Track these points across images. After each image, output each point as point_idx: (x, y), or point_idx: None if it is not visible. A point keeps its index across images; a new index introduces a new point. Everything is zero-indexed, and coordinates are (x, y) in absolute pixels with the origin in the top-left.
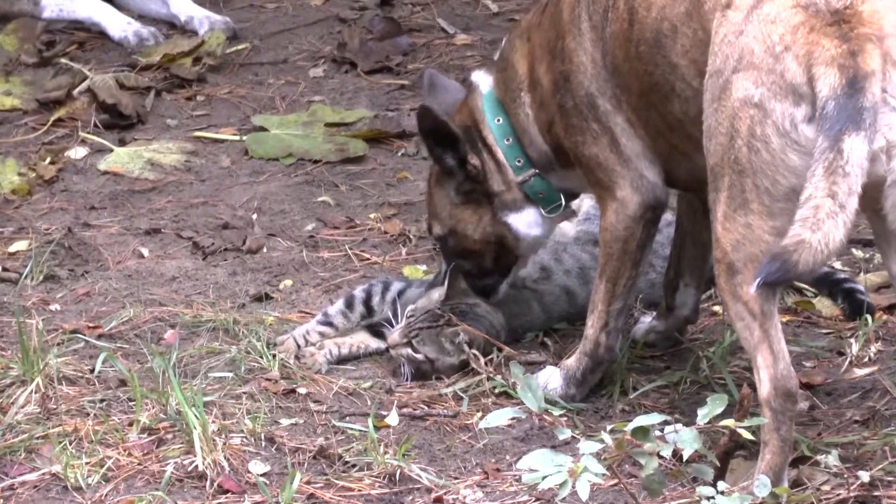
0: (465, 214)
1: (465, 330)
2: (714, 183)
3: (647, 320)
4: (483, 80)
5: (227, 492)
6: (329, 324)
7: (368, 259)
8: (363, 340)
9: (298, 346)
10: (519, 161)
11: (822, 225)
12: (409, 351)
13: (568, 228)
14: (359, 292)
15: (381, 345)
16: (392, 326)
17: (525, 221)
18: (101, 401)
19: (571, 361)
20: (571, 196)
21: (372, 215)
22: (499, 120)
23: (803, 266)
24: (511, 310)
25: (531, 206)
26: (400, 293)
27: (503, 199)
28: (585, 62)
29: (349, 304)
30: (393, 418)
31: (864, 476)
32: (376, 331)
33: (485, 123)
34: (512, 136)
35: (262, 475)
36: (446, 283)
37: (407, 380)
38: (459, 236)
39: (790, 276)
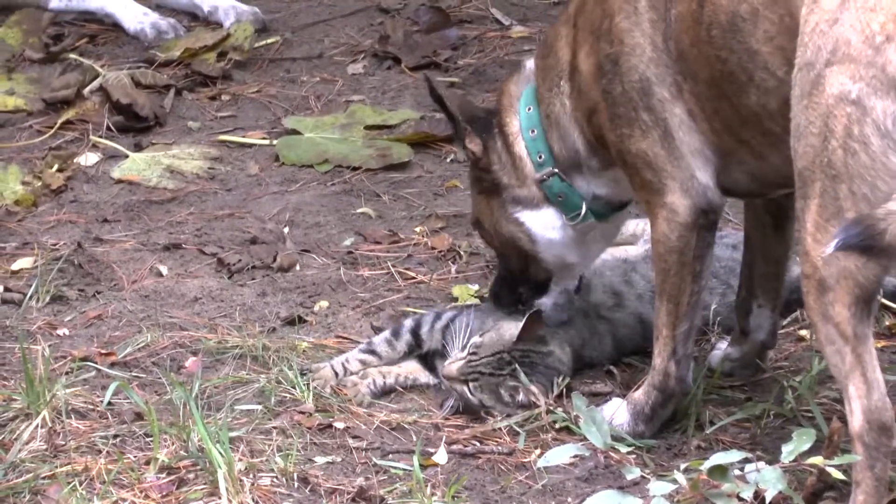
0: (482, 203)
1: (527, 391)
2: (803, 189)
3: (723, 346)
4: (530, 68)
5: None
6: (372, 352)
7: (414, 278)
8: (412, 371)
9: (336, 375)
10: (540, 156)
11: None
12: (465, 390)
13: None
14: (408, 321)
15: (433, 380)
16: (445, 358)
17: (541, 222)
18: (115, 436)
19: (639, 395)
20: (619, 206)
21: (417, 229)
22: (529, 109)
23: (890, 237)
24: (584, 340)
25: (550, 207)
26: (451, 320)
27: (514, 193)
28: (643, 44)
29: (395, 333)
30: (441, 456)
31: None
32: (428, 362)
33: (511, 110)
34: (539, 128)
35: None
36: (521, 324)
37: (455, 411)
38: (481, 227)
39: (871, 245)
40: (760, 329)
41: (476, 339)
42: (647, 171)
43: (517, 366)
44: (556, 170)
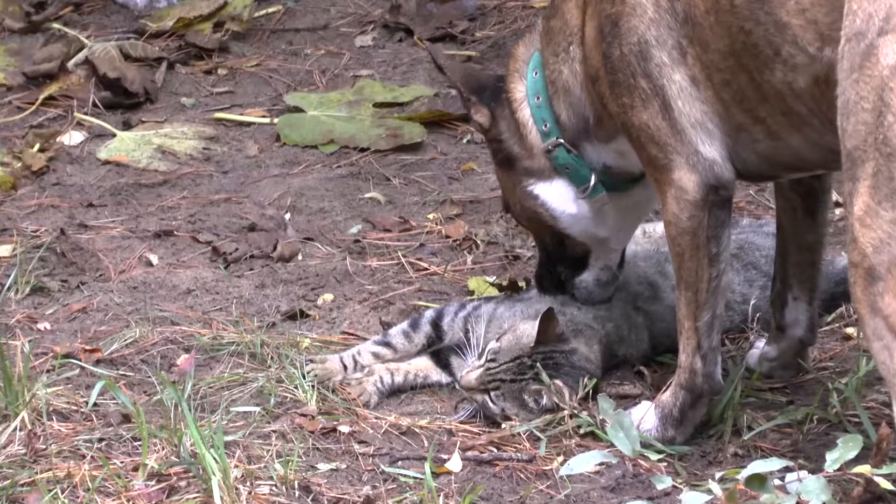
0: (503, 178)
1: (549, 392)
2: (852, 170)
3: (761, 345)
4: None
5: None
6: (387, 344)
7: (426, 269)
8: (423, 369)
9: (345, 369)
10: (545, 125)
11: None
12: (486, 399)
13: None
14: (429, 312)
15: (445, 378)
16: (461, 354)
17: (556, 195)
18: (100, 440)
19: (667, 397)
20: (634, 178)
21: (431, 215)
22: (536, 73)
23: None
24: (622, 335)
25: (561, 178)
26: (476, 308)
27: (525, 165)
28: (644, 3)
29: (414, 324)
30: (455, 463)
31: None
32: (441, 359)
33: (517, 75)
34: (544, 94)
35: None
36: (536, 326)
37: (471, 415)
38: (507, 203)
39: None
40: (797, 324)
41: (493, 344)
42: (651, 146)
43: (539, 368)
44: (562, 140)
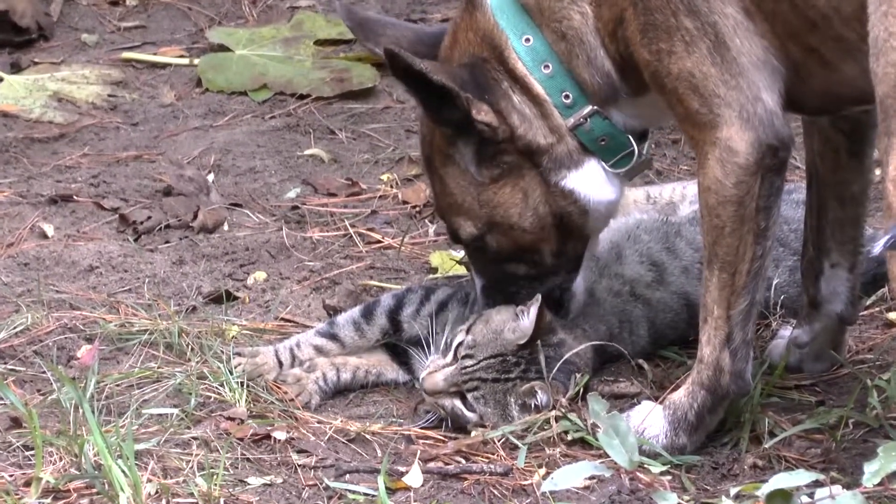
0: (504, 195)
1: (542, 388)
2: (885, 122)
3: (786, 334)
4: None
5: None
6: (332, 336)
7: (380, 241)
8: (376, 364)
9: (280, 365)
10: (567, 97)
11: None
12: (456, 404)
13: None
14: (386, 299)
15: (403, 375)
16: (426, 352)
17: (592, 182)
18: None
19: (680, 397)
20: (641, 136)
21: (384, 176)
22: (528, 39)
23: None
24: (612, 334)
25: (592, 158)
26: (442, 305)
27: (554, 154)
28: None
29: (367, 314)
30: (415, 477)
31: None
32: (398, 353)
33: (507, 46)
34: (553, 60)
35: None
36: (530, 316)
37: (437, 421)
38: (503, 230)
39: None
40: (835, 297)
41: (463, 336)
42: (692, 99)
43: (526, 366)
44: (595, 107)
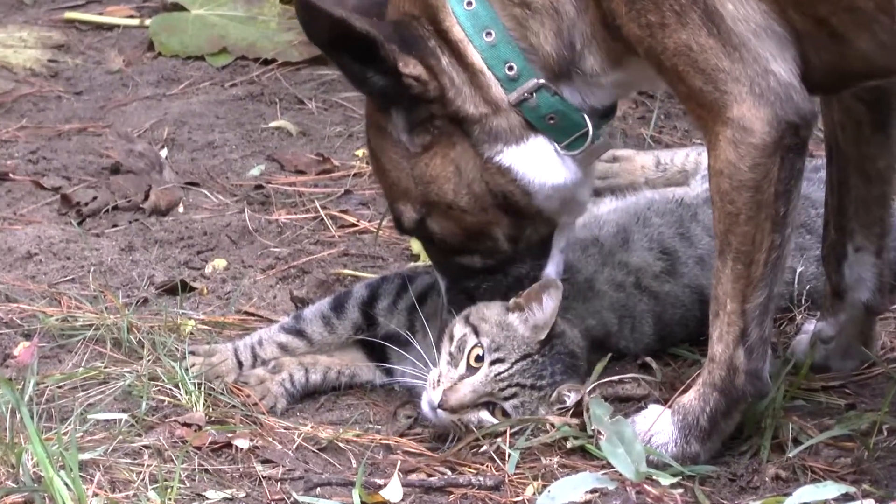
0: (436, 167)
1: (570, 389)
2: None
3: (811, 329)
4: None
5: None
6: (299, 332)
7: (354, 224)
8: (350, 364)
9: (241, 365)
10: (511, 67)
11: None
12: (486, 417)
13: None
14: (358, 290)
15: (380, 377)
16: (406, 341)
17: (535, 162)
18: None
19: (691, 400)
20: (604, 115)
21: (359, 152)
22: (470, 3)
23: None
24: (609, 331)
25: (539, 136)
26: (423, 296)
27: (487, 126)
28: None
29: (338, 307)
30: (394, 490)
31: None
32: (374, 351)
33: (444, 8)
34: (498, 28)
35: None
36: (546, 306)
37: (418, 426)
38: (442, 211)
39: None
40: (861, 284)
41: (476, 340)
42: (694, 76)
43: (552, 367)
44: (543, 81)
